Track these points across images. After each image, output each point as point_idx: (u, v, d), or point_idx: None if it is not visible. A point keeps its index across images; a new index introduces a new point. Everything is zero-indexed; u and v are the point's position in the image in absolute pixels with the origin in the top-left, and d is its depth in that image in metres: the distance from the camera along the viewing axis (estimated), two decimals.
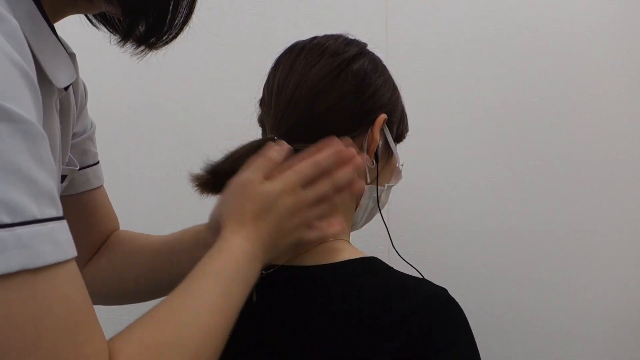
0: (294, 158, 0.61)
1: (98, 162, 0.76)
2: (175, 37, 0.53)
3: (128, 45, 0.51)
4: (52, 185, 0.39)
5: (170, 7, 0.50)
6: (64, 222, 0.40)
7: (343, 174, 0.61)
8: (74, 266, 0.40)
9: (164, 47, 0.53)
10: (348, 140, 0.64)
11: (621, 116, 1.19)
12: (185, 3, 0.51)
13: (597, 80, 1.19)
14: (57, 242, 0.38)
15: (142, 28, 0.50)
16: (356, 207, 0.71)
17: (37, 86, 0.40)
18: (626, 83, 1.19)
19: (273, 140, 0.65)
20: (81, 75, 0.70)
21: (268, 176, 0.59)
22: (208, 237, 0.66)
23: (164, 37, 0.52)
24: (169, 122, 1.18)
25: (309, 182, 0.60)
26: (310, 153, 0.61)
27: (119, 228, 0.82)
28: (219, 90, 1.19)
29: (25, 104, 0.38)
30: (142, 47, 0.52)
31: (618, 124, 1.19)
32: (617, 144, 1.19)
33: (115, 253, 0.79)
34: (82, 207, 0.74)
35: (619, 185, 1.19)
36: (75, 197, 0.73)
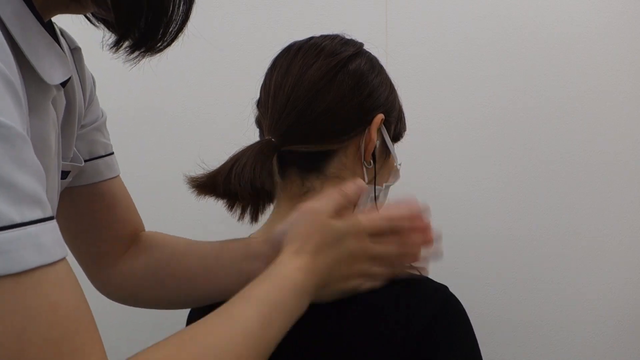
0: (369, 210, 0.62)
1: (112, 154, 0.74)
2: (169, 44, 0.51)
3: (121, 51, 0.50)
4: (35, 186, 0.37)
5: (165, 15, 0.49)
6: (51, 223, 0.38)
7: (412, 242, 0.62)
8: (63, 268, 0.38)
9: (158, 55, 0.52)
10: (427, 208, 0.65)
11: (622, 117, 1.19)
12: (180, 11, 0.50)
13: (597, 81, 1.19)
14: (40, 245, 0.36)
15: (135, 34, 0.49)
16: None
17: (18, 87, 0.39)
18: (627, 83, 1.19)
19: (271, 141, 0.65)
20: None
21: (339, 213, 0.59)
22: (263, 250, 0.65)
23: (158, 45, 0.51)
24: (166, 124, 1.18)
25: (378, 235, 0.60)
26: (388, 207, 0.62)
27: (144, 227, 0.80)
28: (216, 91, 1.19)
29: (3, 107, 0.37)
30: (135, 54, 0.51)
31: (618, 125, 1.19)
32: (618, 144, 1.19)
33: (154, 257, 0.75)
34: (98, 198, 0.72)
35: (619, 185, 1.19)
36: (89, 188, 0.71)
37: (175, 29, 0.51)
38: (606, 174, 1.18)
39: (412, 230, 0.62)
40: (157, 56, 0.52)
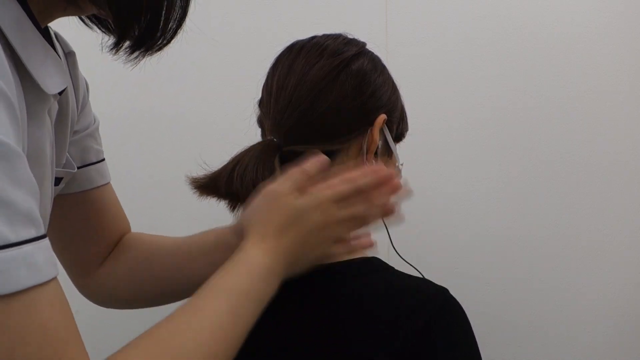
0: (330, 172, 0.60)
1: (103, 160, 0.74)
2: (169, 42, 0.51)
3: (121, 52, 0.50)
4: (30, 204, 0.38)
5: (164, 12, 0.49)
6: (44, 242, 0.38)
7: (379, 196, 0.59)
8: (54, 288, 0.39)
9: (158, 53, 0.51)
10: (386, 166, 0.62)
11: (622, 117, 1.19)
12: (178, 7, 0.50)
13: (597, 81, 1.19)
14: (34, 264, 0.37)
15: (135, 34, 0.49)
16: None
17: (14, 100, 0.39)
18: (627, 83, 1.19)
19: (273, 141, 0.65)
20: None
21: (301, 189, 0.58)
22: (232, 240, 0.65)
23: (158, 43, 0.50)
24: (166, 124, 1.18)
25: (343, 199, 0.58)
26: (347, 169, 0.60)
27: (130, 230, 0.80)
28: (217, 91, 1.18)
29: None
30: (135, 54, 0.50)
31: (618, 125, 1.19)
32: (618, 144, 1.19)
33: (131, 256, 0.76)
34: (88, 205, 0.73)
35: (619, 185, 1.19)
36: (80, 195, 0.71)
37: (174, 26, 0.50)
38: (606, 174, 1.19)
39: (378, 186, 0.59)
40: (157, 55, 0.52)
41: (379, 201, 0.60)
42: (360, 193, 0.59)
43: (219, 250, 0.67)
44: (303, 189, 0.58)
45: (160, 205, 1.16)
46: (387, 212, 0.61)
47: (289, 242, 0.56)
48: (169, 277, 0.74)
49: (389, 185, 0.60)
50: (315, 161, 0.59)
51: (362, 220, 0.60)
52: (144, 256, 0.76)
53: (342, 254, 0.63)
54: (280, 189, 0.58)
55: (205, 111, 1.18)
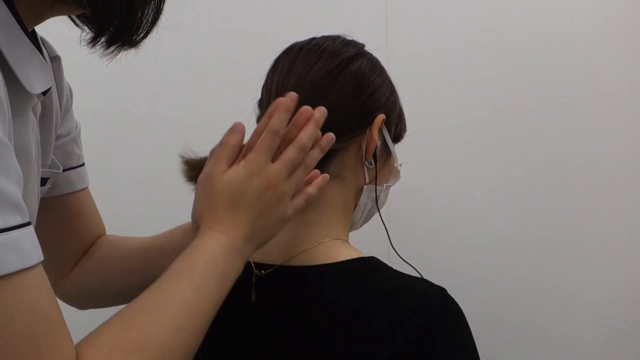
0: (252, 135, 0.59)
1: (83, 164, 0.75)
2: (145, 37, 0.52)
3: (98, 46, 0.51)
4: (16, 192, 0.40)
5: (140, 6, 0.50)
6: (29, 228, 0.40)
7: (306, 135, 0.59)
8: (39, 272, 0.41)
9: (134, 48, 0.52)
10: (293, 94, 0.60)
11: (622, 117, 1.19)
12: (153, 2, 0.51)
13: (597, 81, 1.19)
14: (21, 249, 0.38)
15: (111, 28, 0.50)
16: (355, 207, 0.71)
17: (1, 94, 0.40)
18: (626, 83, 1.19)
19: None
20: (74, 76, 0.70)
21: (231, 163, 0.58)
22: (193, 237, 0.66)
23: (134, 37, 0.51)
24: (167, 124, 1.18)
25: (270, 153, 0.57)
26: (263, 124, 0.58)
27: (105, 233, 0.82)
28: (217, 91, 1.18)
29: None
30: (111, 48, 0.51)
31: (618, 125, 1.19)
32: (618, 144, 1.19)
33: (101, 255, 0.78)
34: (66, 209, 0.74)
35: (619, 185, 1.19)
36: (59, 199, 0.73)
37: (150, 20, 0.51)
38: (606, 173, 1.19)
39: (300, 122, 0.59)
40: (133, 50, 0.53)
41: (305, 137, 0.59)
42: (284, 141, 0.58)
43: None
44: (233, 162, 0.58)
45: (161, 206, 1.16)
46: (320, 144, 0.60)
47: (243, 216, 0.56)
48: (141, 275, 0.74)
49: (303, 117, 0.59)
50: (231, 130, 0.59)
51: (302, 165, 0.59)
52: (114, 254, 0.78)
53: (303, 205, 0.61)
54: (211, 171, 0.57)
55: (205, 111, 1.18)
